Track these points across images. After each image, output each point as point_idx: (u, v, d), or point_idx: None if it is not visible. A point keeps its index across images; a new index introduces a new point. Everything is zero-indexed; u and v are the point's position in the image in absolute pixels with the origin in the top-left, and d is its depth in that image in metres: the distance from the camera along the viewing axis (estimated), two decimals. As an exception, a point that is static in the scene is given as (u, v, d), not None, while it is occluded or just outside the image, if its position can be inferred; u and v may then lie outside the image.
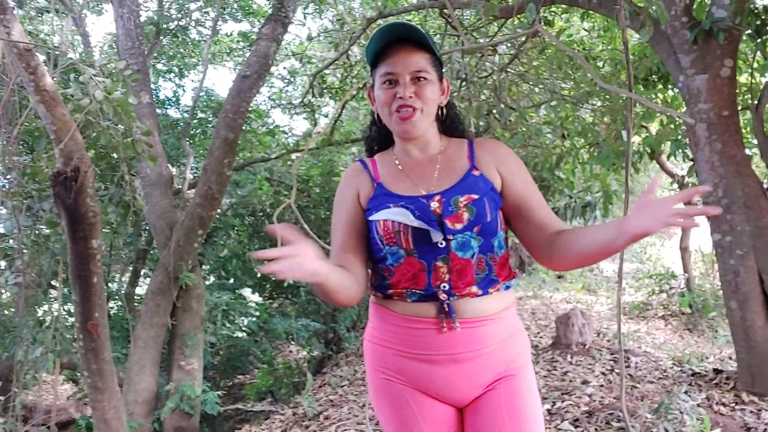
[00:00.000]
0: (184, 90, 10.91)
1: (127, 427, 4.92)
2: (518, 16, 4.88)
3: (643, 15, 3.12)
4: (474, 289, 1.51)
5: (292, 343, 9.64)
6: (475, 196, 1.51)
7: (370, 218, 1.57)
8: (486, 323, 1.53)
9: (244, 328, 8.07)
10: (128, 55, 6.79)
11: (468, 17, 6.81)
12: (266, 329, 8.30)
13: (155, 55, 10.22)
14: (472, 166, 1.59)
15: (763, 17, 4.23)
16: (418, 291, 1.51)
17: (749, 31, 4.14)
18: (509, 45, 5.44)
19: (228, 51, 11.88)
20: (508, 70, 5.64)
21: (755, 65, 5.03)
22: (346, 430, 4.25)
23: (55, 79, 4.60)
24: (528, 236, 1.59)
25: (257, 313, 8.15)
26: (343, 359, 7.45)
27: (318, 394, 5.76)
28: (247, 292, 9.32)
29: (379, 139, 1.74)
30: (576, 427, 3.51)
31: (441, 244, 1.49)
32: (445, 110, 1.67)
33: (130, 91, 4.95)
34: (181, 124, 9.40)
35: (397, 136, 1.63)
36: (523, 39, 5.07)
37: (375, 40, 1.54)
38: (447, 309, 1.50)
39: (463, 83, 5.49)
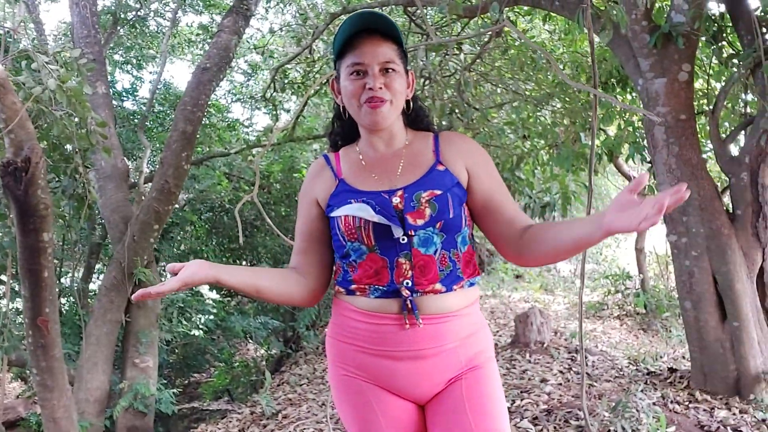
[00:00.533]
0: (141, 82, 10.64)
1: (78, 427, 4.77)
2: (482, 15, 4.90)
3: (604, 18, 3.14)
4: (438, 286, 1.49)
5: (250, 341, 9.53)
6: (438, 192, 1.49)
7: (331, 215, 1.55)
8: (449, 320, 1.51)
9: (200, 326, 7.92)
10: (84, 44, 6.58)
11: (431, 16, 6.81)
12: (224, 327, 8.17)
13: (112, 45, 9.97)
14: (437, 160, 1.57)
15: (719, 24, 4.32)
16: (380, 287, 1.49)
17: (706, 37, 4.21)
18: (473, 43, 5.45)
19: (187, 43, 11.67)
20: (471, 69, 5.65)
21: (711, 71, 5.16)
22: (305, 428, 4.20)
23: (5, 65, 4.44)
24: (495, 232, 1.57)
25: (215, 311, 8.00)
26: (302, 358, 7.38)
27: (276, 393, 5.69)
28: (204, 289, 9.16)
29: (342, 133, 1.71)
30: (535, 425, 3.53)
31: (403, 240, 1.47)
32: (410, 103, 1.64)
33: (85, 80, 4.80)
34: (138, 116, 9.18)
35: (365, 127, 1.60)
36: (487, 39, 5.08)
37: (344, 29, 1.51)
38: (410, 306, 1.47)
39: (427, 81, 5.49)
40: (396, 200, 1.49)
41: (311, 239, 1.63)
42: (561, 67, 6.36)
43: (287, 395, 5.48)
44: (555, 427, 3.47)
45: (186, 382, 9.91)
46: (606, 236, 1.29)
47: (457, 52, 5.46)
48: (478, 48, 5.53)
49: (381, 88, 1.50)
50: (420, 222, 1.47)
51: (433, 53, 5.21)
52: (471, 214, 1.60)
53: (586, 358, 5.12)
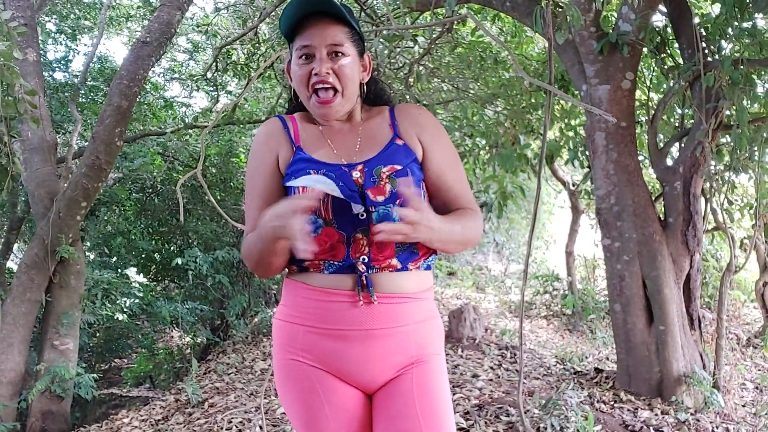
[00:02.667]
0: (75, 53, 10.16)
1: (-12, 410, 4.52)
2: (434, 10, 4.90)
3: (560, 18, 3.18)
4: (394, 261, 1.47)
5: (175, 328, 9.26)
6: (398, 167, 1.47)
7: (289, 184, 1.49)
8: (404, 301, 1.49)
9: (125, 309, 7.62)
10: (15, 7, 6.21)
11: (380, 7, 6.77)
12: (149, 312, 7.89)
13: (45, 12, 9.47)
14: (395, 135, 1.54)
15: (663, 36, 4.46)
16: (336, 263, 1.45)
17: (650, 47, 4.33)
18: (424, 34, 5.42)
19: (126, 18, 11.22)
20: (420, 64, 5.64)
21: (651, 82, 5.32)
22: (233, 418, 4.10)
23: (-74, 22, 4.13)
24: (437, 210, 1.49)
25: (141, 294, 7.73)
26: (231, 347, 7.22)
27: (203, 381, 5.53)
28: (131, 272, 8.85)
29: (300, 108, 1.64)
30: (467, 420, 3.55)
31: (362, 215, 1.43)
32: (367, 87, 1.61)
33: (15, 44, 4.53)
34: (70, 88, 8.76)
35: (316, 118, 1.56)
36: (437, 33, 5.08)
37: (288, 12, 1.46)
38: (365, 282, 1.44)
39: (376, 73, 5.44)
40: (356, 174, 1.46)
41: (272, 198, 1.52)
42: (506, 69, 6.45)
43: (214, 384, 5.34)
44: (486, 422, 3.49)
45: (106, 367, 9.55)
46: None
47: (410, 45, 5.44)
48: (429, 42, 5.52)
49: (328, 73, 1.46)
50: (380, 198, 1.44)
51: (382, 44, 5.18)
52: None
53: (515, 355, 5.21)
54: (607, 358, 5.57)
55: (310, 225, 1.42)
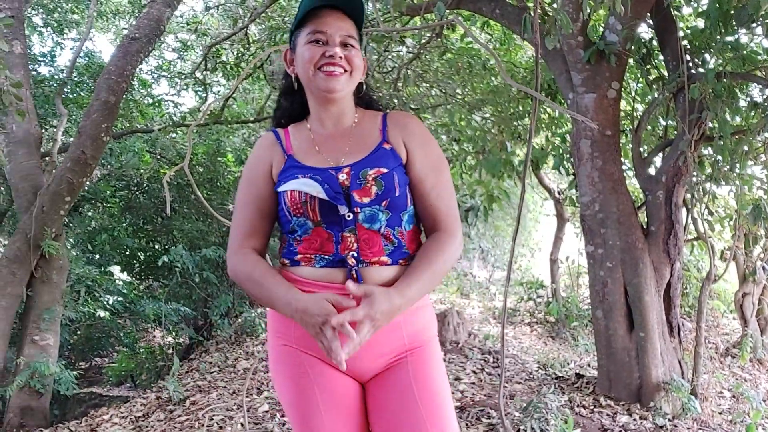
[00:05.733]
0: (62, 48, 10.08)
1: (-34, 404, 4.48)
2: (424, 16, 4.93)
3: (549, 23, 3.23)
4: (384, 258, 1.52)
5: (158, 327, 9.21)
6: (385, 170, 1.51)
7: (279, 189, 1.55)
8: None
9: (108, 307, 7.57)
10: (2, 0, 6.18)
11: (371, 11, 6.80)
12: (132, 310, 7.85)
13: (32, 6, 9.41)
14: (384, 139, 1.59)
15: (648, 47, 4.52)
16: (326, 257, 1.51)
17: (636, 58, 4.39)
18: (414, 37, 5.46)
19: (114, 14, 11.16)
20: (409, 68, 5.68)
21: (636, 93, 5.39)
22: (214, 415, 4.09)
23: None
24: (419, 218, 1.60)
25: (125, 292, 7.68)
26: (214, 346, 7.20)
27: (185, 380, 5.52)
28: (115, 270, 8.79)
29: (291, 109, 1.69)
30: (448, 421, 3.56)
31: (348, 216, 1.49)
32: (362, 87, 1.66)
33: (1, 36, 4.52)
34: (56, 82, 8.70)
35: (318, 96, 1.58)
36: (427, 38, 5.12)
37: (308, 1, 1.52)
38: (355, 275, 1.49)
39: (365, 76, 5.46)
40: (342, 177, 1.50)
41: (268, 215, 1.60)
42: (495, 76, 6.50)
43: (196, 382, 5.32)
44: (467, 424, 3.52)
45: (87, 365, 9.47)
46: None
47: (399, 50, 5.48)
48: (418, 47, 5.56)
49: (341, 57, 1.52)
50: (366, 200, 1.49)
51: (372, 47, 5.21)
52: None
53: (497, 359, 5.24)
54: (589, 365, 5.62)
55: (299, 228, 1.51)
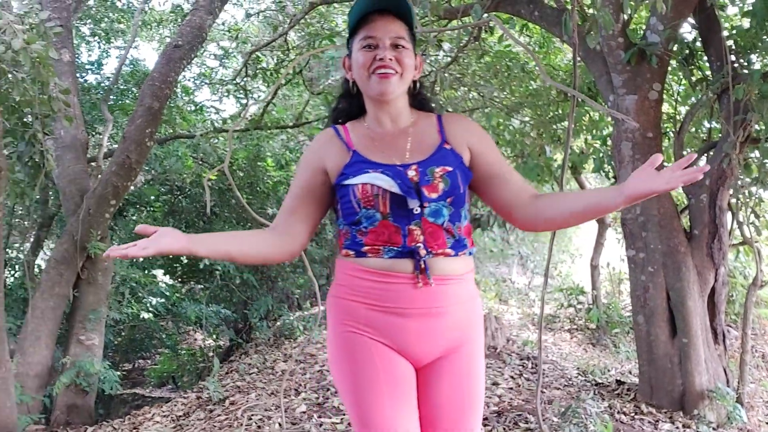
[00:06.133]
0: (108, 56, 10.37)
1: (16, 400, 4.61)
2: (462, 18, 4.93)
3: (589, 22, 3.19)
4: (447, 250, 1.61)
5: (198, 330, 9.36)
6: (450, 168, 1.61)
7: (347, 182, 1.62)
8: (455, 282, 1.62)
9: (151, 309, 7.73)
10: (52, 9, 6.38)
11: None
12: (174, 312, 8.00)
13: (80, 17, 9.69)
14: (443, 140, 1.68)
15: (691, 48, 4.43)
16: (395, 248, 1.59)
17: (679, 58, 4.30)
18: (451, 40, 5.45)
19: (158, 23, 11.43)
20: (447, 71, 5.68)
21: (678, 95, 5.29)
22: (253, 415, 4.14)
23: (-33, 21, 4.26)
24: (505, 200, 1.67)
25: (167, 294, 7.83)
26: (253, 348, 7.29)
27: (224, 381, 5.59)
28: (158, 272, 8.97)
29: (348, 110, 1.79)
30: (485, 425, 3.54)
31: (416, 210, 1.58)
32: (417, 85, 1.76)
33: (51, 44, 4.66)
34: (102, 89, 8.94)
35: (373, 97, 1.68)
36: (464, 42, 5.11)
37: (358, 7, 1.62)
38: (423, 266, 1.57)
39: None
40: (411, 173, 1.60)
41: (305, 202, 1.70)
42: (533, 79, 6.45)
43: (235, 383, 5.39)
44: (504, 429, 3.49)
45: (130, 366, 9.68)
46: (627, 203, 1.42)
47: (436, 53, 5.48)
48: (455, 50, 5.56)
49: (391, 59, 1.61)
50: (434, 195, 1.58)
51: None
52: (476, 189, 1.73)
53: (536, 365, 5.19)
54: (630, 372, 5.51)
55: (366, 220, 1.61)
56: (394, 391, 1.58)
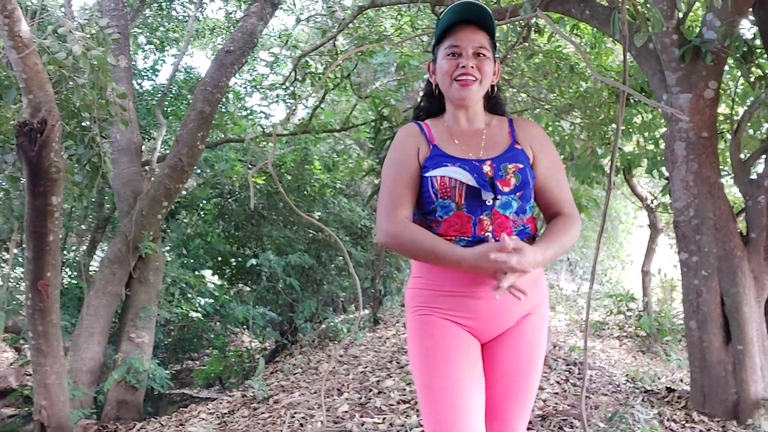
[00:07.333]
0: (163, 63, 10.65)
1: (69, 394, 4.74)
2: (511, 18, 4.88)
3: (639, 20, 3.12)
4: (514, 236, 1.72)
5: (245, 332, 9.48)
6: (521, 166, 1.76)
7: (427, 174, 1.75)
8: None
9: (199, 309, 7.88)
10: (110, 17, 6.59)
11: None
12: (222, 313, 8.13)
13: (137, 25, 10.00)
14: (514, 140, 1.83)
15: (749, 45, 4.28)
16: (466, 238, 1.71)
17: (736, 56, 4.16)
18: (501, 43, 5.37)
19: (210, 30, 11.70)
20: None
21: (736, 94, 5.11)
22: (296, 413, 4.16)
23: (31, 25, 4.43)
24: (540, 207, 1.86)
25: (216, 295, 7.97)
26: (298, 350, 7.34)
27: (269, 380, 5.65)
28: (207, 273, 9.14)
29: (429, 108, 1.95)
30: (530, 429, 3.47)
31: (489, 202, 1.71)
32: (494, 89, 1.91)
33: (109, 50, 4.81)
34: (156, 95, 9.19)
35: (453, 102, 1.84)
36: (514, 41, 5.06)
37: (446, 17, 1.77)
38: None
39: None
40: (486, 168, 1.74)
41: (412, 191, 1.78)
42: (583, 80, 6.33)
43: (280, 382, 5.44)
44: (549, 433, 3.42)
45: (179, 367, 9.87)
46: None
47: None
48: (505, 50, 5.50)
49: (473, 67, 1.76)
50: (506, 189, 1.72)
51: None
52: None
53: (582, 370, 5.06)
54: (681, 380, 5.33)
55: (441, 209, 1.74)
56: (462, 360, 1.71)
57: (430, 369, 1.71)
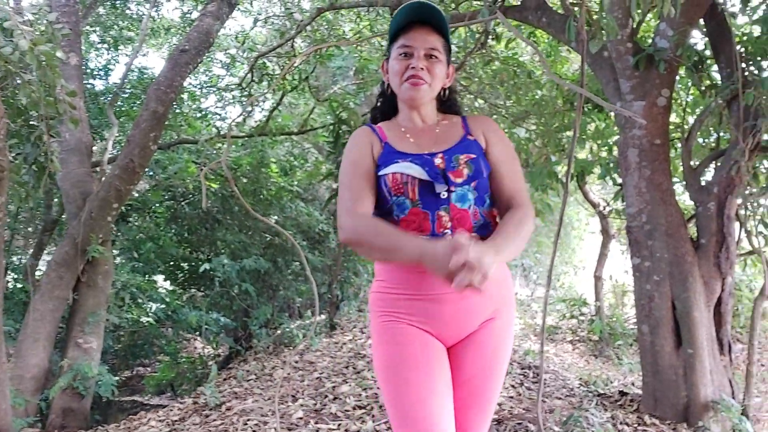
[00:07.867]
0: (116, 63, 10.40)
1: (11, 402, 4.55)
2: (468, 25, 4.90)
3: (594, 27, 3.16)
4: (474, 234, 1.71)
5: (198, 339, 9.28)
6: (473, 155, 1.76)
7: (381, 173, 1.75)
8: None
9: (151, 314, 7.67)
10: (60, 12, 6.38)
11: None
12: (174, 319, 7.93)
13: (89, 23, 9.74)
14: (467, 132, 1.85)
15: (700, 54, 4.39)
16: (424, 236, 1.69)
17: (688, 65, 4.25)
18: (459, 50, 5.44)
19: (165, 30, 11.47)
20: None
21: (686, 103, 5.24)
22: (248, 420, 4.07)
23: (-26, 21, 4.25)
24: (495, 197, 1.81)
25: (168, 300, 7.78)
26: (252, 356, 7.21)
27: (222, 387, 5.53)
28: (158, 278, 8.92)
29: (383, 109, 1.96)
30: (485, 433, 3.47)
31: (443, 195, 1.70)
32: (447, 92, 1.91)
33: (59, 46, 4.65)
34: (108, 95, 8.95)
35: (404, 101, 1.85)
36: (470, 48, 5.09)
37: (400, 16, 1.77)
38: None
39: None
40: (438, 161, 1.74)
41: (371, 188, 1.76)
42: (540, 88, 6.41)
43: (233, 389, 5.32)
44: (505, 437, 3.42)
45: (129, 374, 9.61)
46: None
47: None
48: (462, 57, 5.53)
49: (423, 69, 1.76)
50: (459, 180, 1.72)
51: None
52: None
53: (537, 375, 5.10)
54: (633, 384, 5.41)
55: (397, 208, 1.73)
56: (427, 365, 1.68)
57: (399, 379, 1.67)
